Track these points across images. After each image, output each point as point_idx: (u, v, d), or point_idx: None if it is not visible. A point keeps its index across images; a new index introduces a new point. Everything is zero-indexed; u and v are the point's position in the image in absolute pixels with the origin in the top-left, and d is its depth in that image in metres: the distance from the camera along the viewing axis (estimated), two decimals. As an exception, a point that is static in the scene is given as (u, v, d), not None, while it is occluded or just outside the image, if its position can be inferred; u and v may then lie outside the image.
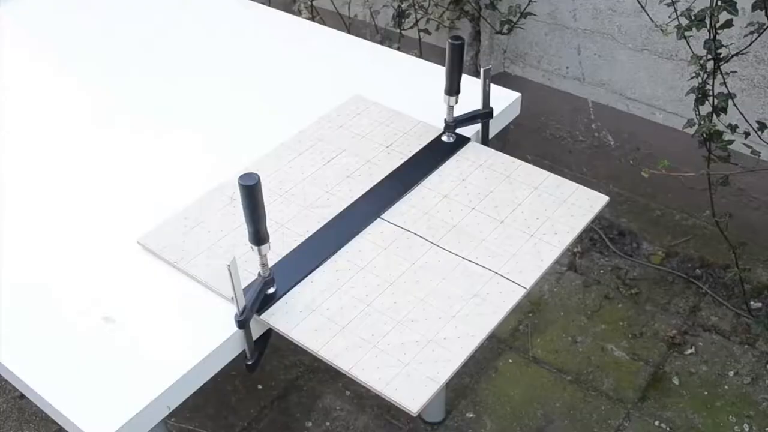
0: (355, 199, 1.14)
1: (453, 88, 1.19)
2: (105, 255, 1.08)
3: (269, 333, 1.00)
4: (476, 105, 1.24)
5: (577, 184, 1.15)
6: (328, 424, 1.86)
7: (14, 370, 0.93)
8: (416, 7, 2.33)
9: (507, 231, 1.08)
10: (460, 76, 1.18)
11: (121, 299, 1.01)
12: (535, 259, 1.04)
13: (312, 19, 2.46)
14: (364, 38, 1.64)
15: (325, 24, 2.23)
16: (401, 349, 0.92)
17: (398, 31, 2.38)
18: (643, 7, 1.88)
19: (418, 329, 0.95)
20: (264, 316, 0.97)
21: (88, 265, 1.07)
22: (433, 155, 1.21)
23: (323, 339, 0.94)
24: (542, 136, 2.42)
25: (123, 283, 1.04)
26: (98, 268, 1.06)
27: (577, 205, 1.12)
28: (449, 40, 1.14)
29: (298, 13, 2.49)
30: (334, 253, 1.05)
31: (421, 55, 2.27)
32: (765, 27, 1.65)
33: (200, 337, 0.95)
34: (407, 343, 0.93)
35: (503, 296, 0.99)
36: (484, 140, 1.27)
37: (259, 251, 0.94)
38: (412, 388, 0.89)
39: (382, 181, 1.17)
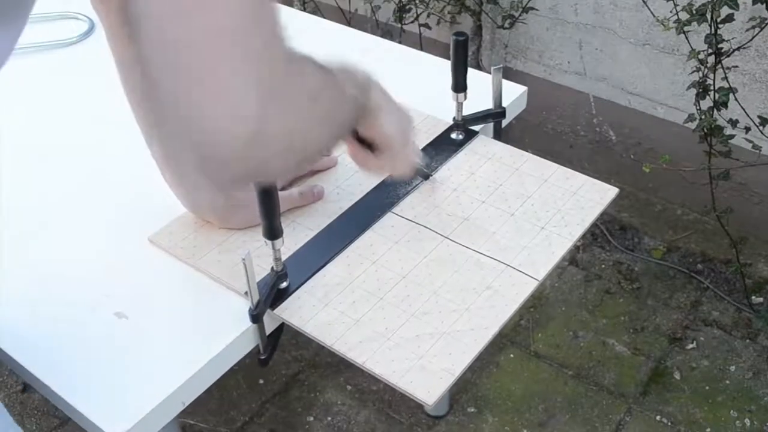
0: (365, 193, 1.14)
1: (459, 85, 1.18)
2: (117, 253, 1.07)
3: (281, 328, 1.00)
4: (481, 99, 1.24)
5: (586, 176, 1.15)
6: (329, 418, 1.86)
7: (29, 367, 0.93)
8: (417, 1, 2.32)
9: (518, 223, 1.08)
10: (466, 71, 1.18)
11: (134, 296, 1.01)
12: (546, 252, 1.04)
13: (304, 10, 2.45)
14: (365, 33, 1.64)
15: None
16: (415, 342, 0.92)
17: (399, 25, 2.38)
18: (644, 2, 1.88)
19: (431, 322, 0.95)
20: (277, 311, 0.97)
21: (101, 263, 1.06)
22: (442, 149, 1.21)
23: (337, 333, 0.94)
24: (543, 131, 2.43)
25: (136, 281, 1.03)
26: (111, 266, 1.06)
27: (586, 198, 1.12)
28: (453, 35, 1.14)
29: (302, 8, 2.49)
30: (345, 247, 1.05)
31: (422, 50, 2.27)
32: (767, 22, 1.65)
33: (214, 332, 0.95)
34: (421, 335, 0.93)
35: (516, 288, 0.99)
36: (497, 139, 1.26)
37: (273, 245, 0.94)
38: (427, 381, 0.88)
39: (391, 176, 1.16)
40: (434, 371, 0.89)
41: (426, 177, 1.14)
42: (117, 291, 1.01)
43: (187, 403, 0.92)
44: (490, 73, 1.20)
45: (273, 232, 0.92)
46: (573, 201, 1.12)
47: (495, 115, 1.23)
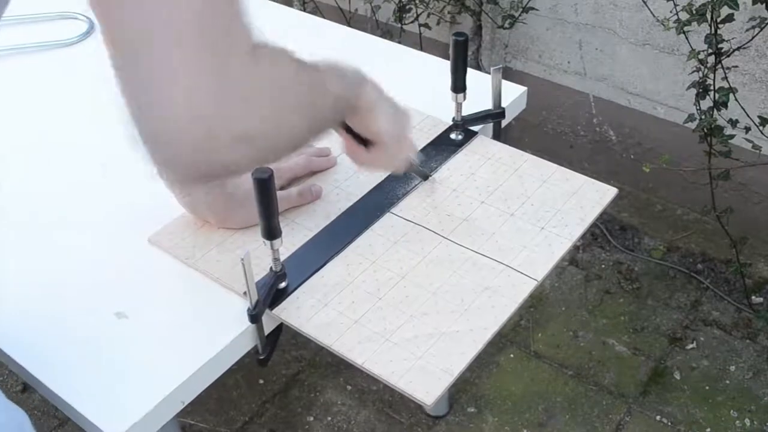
0: (364, 193, 1.14)
1: (459, 85, 1.18)
2: (117, 253, 1.07)
3: (280, 327, 1.00)
4: (481, 99, 1.24)
5: (585, 177, 1.15)
6: (329, 418, 1.86)
7: (28, 367, 0.93)
8: (417, 1, 2.32)
9: (517, 224, 1.08)
10: (465, 72, 1.18)
11: (134, 296, 1.01)
12: (546, 252, 1.04)
13: (303, 10, 2.45)
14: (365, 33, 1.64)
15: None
16: (414, 343, 0.92)
17: (399, 25, 2.37)
18: (644, 2, 1.88)
19: (430, 322, 0.95)
20: (276, 311, 0.97)
21: (101, 263, 1.06)
22: (441, 149, 1.21)
23: (336, 333, 0.94)
24: (543, 131, 2.43)
25: (135, 281, 1.03)
26: (111, 266, 1.06)
27: (586, 198, 1.12)
28: (453, 36, 1.14)
29: (302, 8, 2.49)
30: (344, 247, 1.05)
31: (422, 50, 2.27)
32: (767, 22, 1.65)
33: (213, 332, 0.95)
34: (420, 336, 0.93)
35: (515, 289, 0.99)
36: (496, 139, 1.26)
37: (272, 245, 0.94)
38: (426, 381, 0.88)
39: (390, 175, 1.16)
40: (433, 371, 0.89)
41: (425, 177, 1.14)
42: (117, 291, 1.01)
43: (186, 402, 0.92)
44: (489, 73, 1.20)
45: (271, 232, 0.92)
46: (573, 201, 1.11)
47: (494, 115, 1.23)
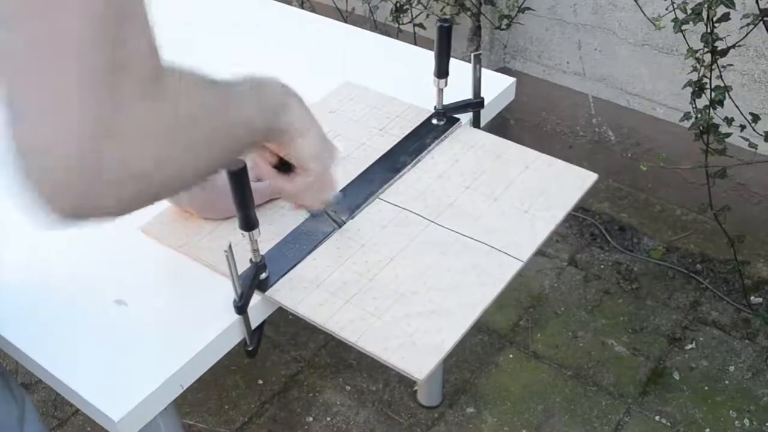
0: (351, 179, 1.15)
1: (442, 71, 1.19)
2: (111, 243, 1.08)
3: (263, 320, 1.01)
4: (471, 92, 1.25)
5: (567, 163, 1.18)
6: (329, 419, 1.87)
7: (33, 356, 0.94)
8: (414, 2, 2.33)
9: (502, 208, 1.10)
10: (449, 58, 1.19)
11: (130, 286, 1.02)
12: (530, 234, 1.06)
13: (302, 7, 2.46)
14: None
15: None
16: (405, 321, 0.94)
17: (396, 26, 2.38)
18: (637, 3, 1.87)
19: (420, 301, 0.97)
20: (269, 292, 0.98)
21: (96, 253, 1.07)
22: (425, 137, 1.23)
23: (328, 313, 0.96)
24: (543, 131, 2.43)
25: (130, 271, 1.05)
26: (105, 257, 1.07)
27: (567, 182, 1.14)
28: (438, 21, 1.16)
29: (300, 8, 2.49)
30: (334, 232, 1.07)
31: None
32: (760, 18, 1.64)
33: (210, 316, 0.96)
34: (410, 314, 0.95)
35: (501, 269, 1.01)
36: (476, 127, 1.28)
37: (250, 237, 0.94)
38: (418, 357, 0.90)
39: (377, 162, 1.19)
40: (424, 347, 0.91)
41: (340, 224, 1.09)
42: (113, 281, 1.03)
43: (186, 386, 0.93)
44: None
45: (248, 224, 0.92)
46: (555, 186, 1.14)
47: (474, 104, 1.25)
